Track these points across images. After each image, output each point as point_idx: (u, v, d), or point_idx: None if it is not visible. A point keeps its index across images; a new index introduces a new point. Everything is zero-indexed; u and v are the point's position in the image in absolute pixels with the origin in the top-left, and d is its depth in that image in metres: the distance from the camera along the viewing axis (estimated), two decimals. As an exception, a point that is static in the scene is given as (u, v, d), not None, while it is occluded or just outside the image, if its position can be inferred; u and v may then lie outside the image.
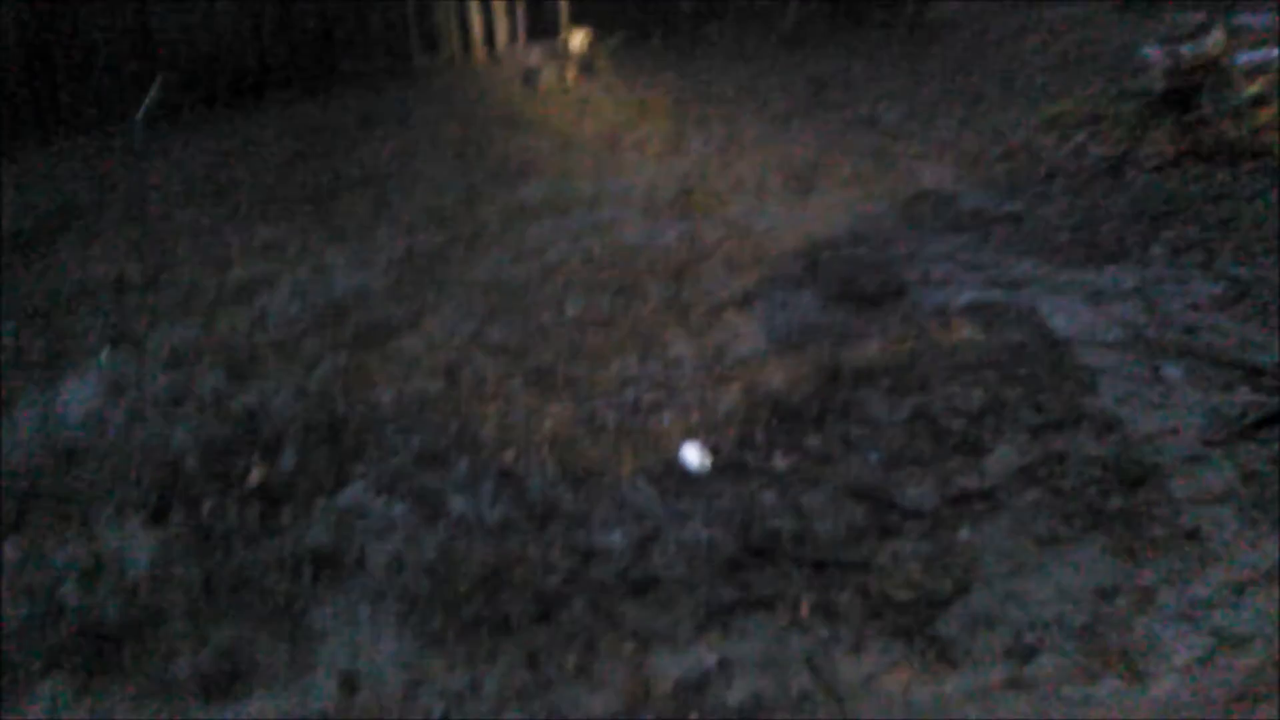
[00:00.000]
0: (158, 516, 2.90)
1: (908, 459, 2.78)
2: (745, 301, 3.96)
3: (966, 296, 3.76)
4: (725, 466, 2.87)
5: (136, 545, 2.78)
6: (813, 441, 2.93)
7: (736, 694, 2.07)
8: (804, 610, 2.27)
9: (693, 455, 2.94)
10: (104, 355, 4.04)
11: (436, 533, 2.73)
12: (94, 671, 2.29)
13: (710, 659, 2.17)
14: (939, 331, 3.49)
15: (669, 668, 2.16)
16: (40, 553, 2.79)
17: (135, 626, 2.43)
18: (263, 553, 2.68)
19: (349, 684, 2.20)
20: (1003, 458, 2.73)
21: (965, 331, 3.47)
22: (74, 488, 3.11)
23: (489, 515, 2.77)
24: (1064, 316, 3.51)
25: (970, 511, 2.53)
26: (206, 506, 2.92)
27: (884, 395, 3.12)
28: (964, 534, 2.45)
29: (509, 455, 3.05)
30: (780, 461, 2.85)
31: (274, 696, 2.19)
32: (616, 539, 2.61)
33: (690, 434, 3.04)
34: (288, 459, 3.15)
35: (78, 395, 3.72)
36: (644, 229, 4.99)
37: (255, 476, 3.06)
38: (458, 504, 2.84)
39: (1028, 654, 2.07)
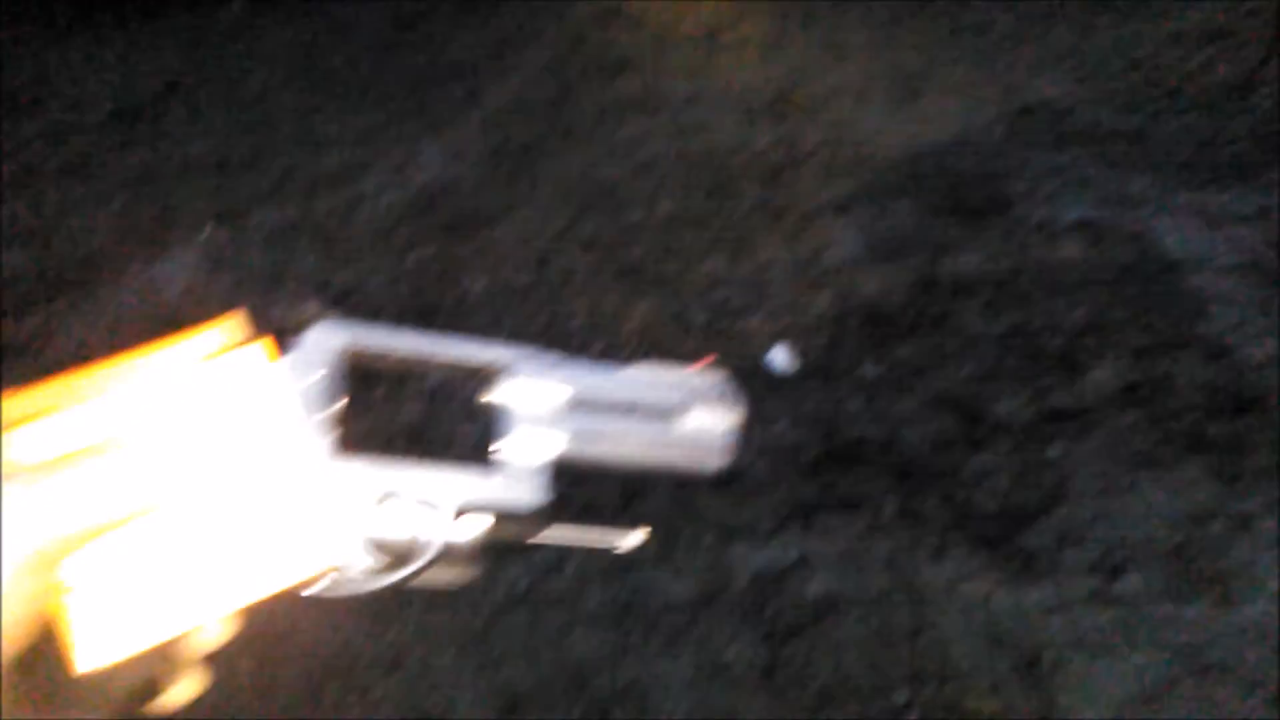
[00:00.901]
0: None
1: (1002, 374, 2.72)
2: (842, 208, 3.87)
3: (1075, 213, 3.61)
4: (813, 371, 2.85)
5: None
6: (904, 351, 2.88)
7: (814, 589, 2.09)
8: (887, 514, 2.26)
9: (780, 358, 2.92)
10: (206, 231, 4.15)
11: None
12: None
13: (790, 554, 2.18)
14: (1043, 248, 3.38)
15: (748, 560, 2.19)
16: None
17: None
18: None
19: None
20: (1101, 378, 2.65)
21: (1071, 249, 3.34)
22: (179, 356, 3.22)
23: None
24: (1177, 238, 3.35)
25: (1064, 429, 2.47)
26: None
27: (981, 309, 3.04)
28: (1056, 451, 2.40)
29: (597, 348, 3.07)
30: (870, 369, 2.82)
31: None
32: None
33: (779, 337, 3.02)
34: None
35: (182, 268, 3.84)
36: (740, 130, 4.89)
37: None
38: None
39: (1115, 571, 2.04)
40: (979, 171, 4.12)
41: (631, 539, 0.80)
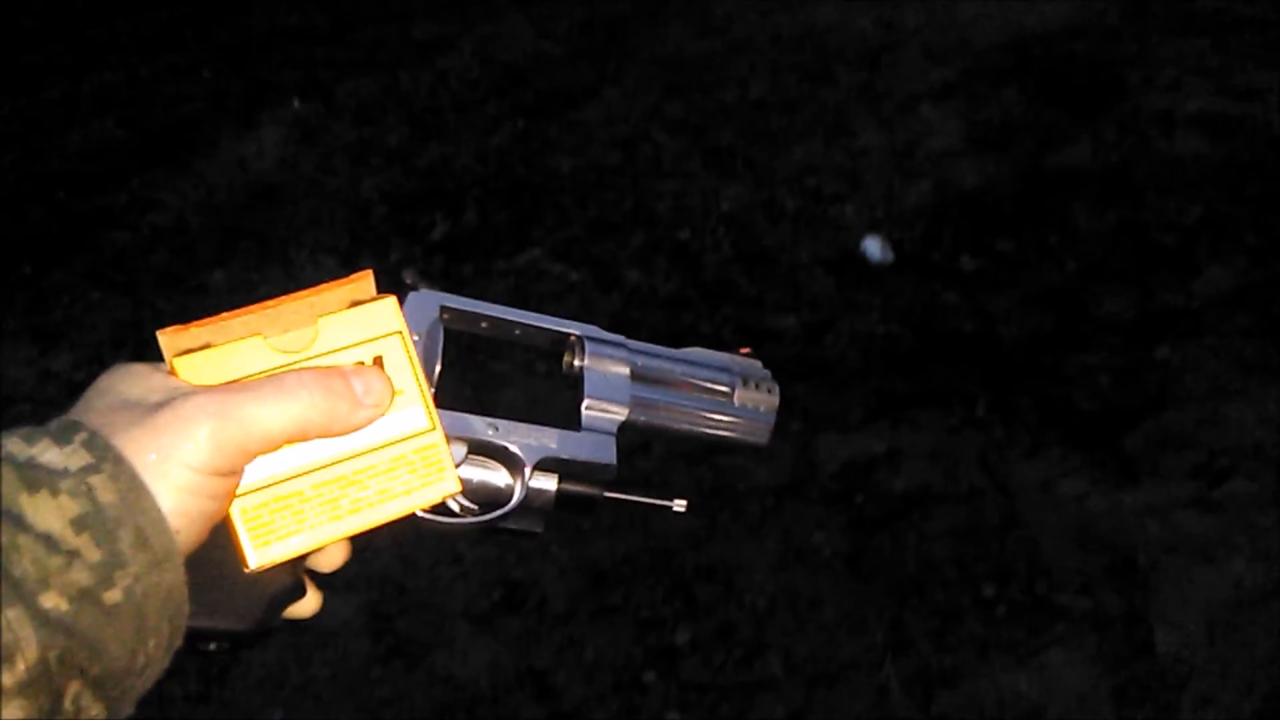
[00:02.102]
0: (348, 259, 3.03)
1: (1108, 271, 2.62)
2: (943, 94, 3.70)
3: (1194, 104, 3.41)
4: (908, 262, 2.78)
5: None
6: (1005, 245, 2.79)
7: (903, 481, 2.08)
8: (980, 410, 2.22)
9: (874, 248, 2.85)
10: (296, 103, 4.15)
11: (610, 300, 2.77)
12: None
13: (879, 446, 2.17)
14: (1159, 140, 3.20)
15: (836, 450, 2.18)
16: (245, 284, 2.98)
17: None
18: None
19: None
20: (1214, 278, 2.54)
21: (1189, 143, 3.17)
22: (271, 228, 3.27)
23: (662, 288, 2.79)
24: (1305, 134, 3.15)
25: (1172, 330, 2.38)
26: (394, 255, 3.04)
27: (1089, 203, 2.92)
28: (1162, 352, 2.32)
29: (684, 233, 3.03)
30: (968, 263, 2.73)
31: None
32: (790, 323, 2.59)
33: (873, 227, 2.94)
34: (469, 218, 3.21)
35: (272, 139, 3.86)
36: (837, 10, 4.68)
37: (439, 231, 3.15)
38: (632, 275, 2.86)
39: (1218, 477, 1.99)
40: (1091, 58, 3.90)
41: (679, 503, 0.89)
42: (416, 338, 0.76)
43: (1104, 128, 3.30)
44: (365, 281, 0.70)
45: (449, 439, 0.74)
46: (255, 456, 0.62)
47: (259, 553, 0.64)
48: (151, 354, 0.66)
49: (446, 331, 0.79)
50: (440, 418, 0.72)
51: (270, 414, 0.60)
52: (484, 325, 0.82)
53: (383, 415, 0.68)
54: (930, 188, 3.09)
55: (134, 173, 3.67)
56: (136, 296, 3.00)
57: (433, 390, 0.75)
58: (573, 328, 0.86)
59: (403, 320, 0.71)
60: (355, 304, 0.70)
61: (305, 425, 0.62)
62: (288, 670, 2.07)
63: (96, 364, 2.64)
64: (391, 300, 0.71)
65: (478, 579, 2.13)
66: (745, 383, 0.94)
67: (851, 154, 3.35)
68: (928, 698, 1.76)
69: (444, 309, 0.80)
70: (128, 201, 3.50)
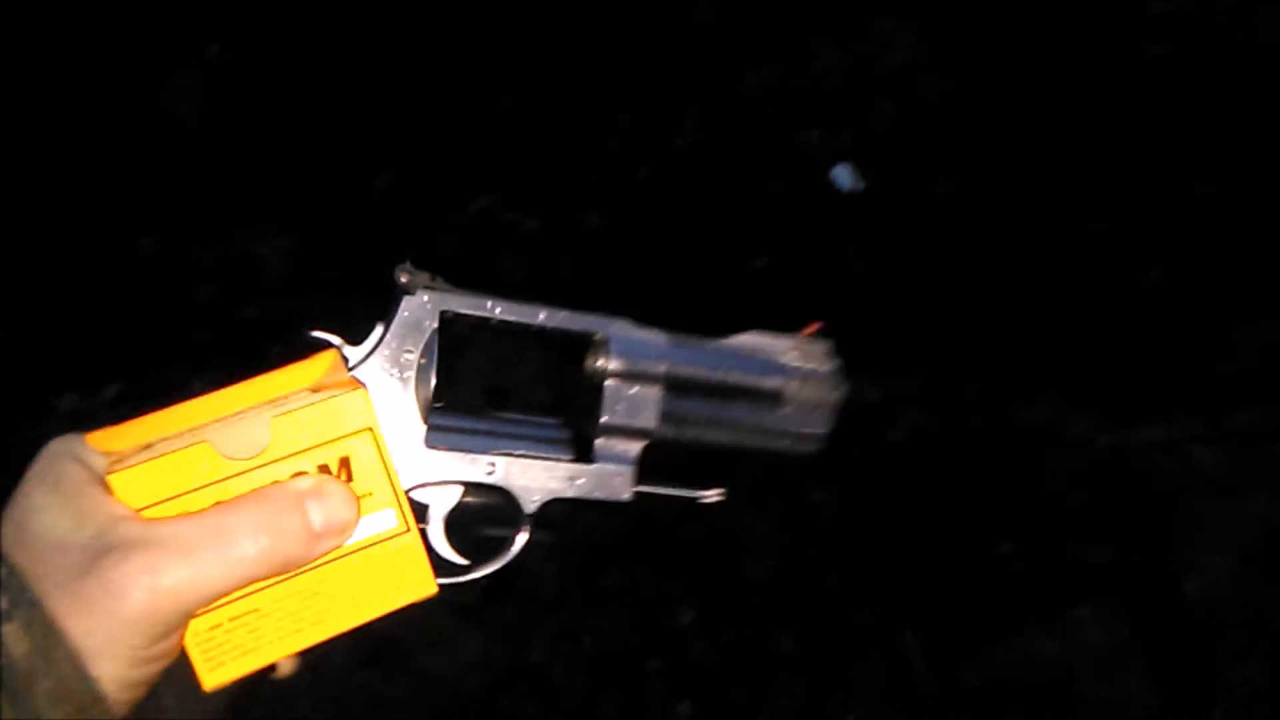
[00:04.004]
0: (288, 224, 2.81)
1: (1093, 187, 2.51)
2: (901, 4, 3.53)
3: (1162, 7, 3.28)
4: (881, 190, 2.64)
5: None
6: (981, 164, 2.66)
7: (899, 430, 1.97)
8: (972, 347, 2.11)
9: (844, 176, 2.71)
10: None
11: (570, 246, 2.61)
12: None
13: (870, 392, 2.06)
14: (1134, 45, 3.07)
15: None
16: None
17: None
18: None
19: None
20: (1205, 194, 2.44)
21: (1158, 48, 3.04)
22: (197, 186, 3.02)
23: (624, 231, 2.63)
24: None
25: (1161, 252, 2.29)
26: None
27: (1067, 116, 2.79)
28: (1155, 274, 2.22)
29: (643, 170, 2.85)
30: (944, 186, 2.61)
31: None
32: (761, 263, 2.46)
33: (842, 154, 2.79)
34: (411, 166, 3.00)
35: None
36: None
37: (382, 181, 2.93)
38: (592, 219, 2.69)
39: (1227, 408, 1.91)
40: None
41: (713, 493, 0.81)
42: (410, 356, 0.66)
43: (1076, 31, 3.16)
44: (330, 364, 0.61)
45: (449, 484, 0.68)
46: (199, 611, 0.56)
47: (213, 675, 0.58)
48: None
49: (448, 337, 0.69)
50: (431, 461, 0.66)
51: (212, 575, 0.53)
52: (493, 325, 0.71)
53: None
54: (896, 106, 2.93)
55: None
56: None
57: (429, 409, 0.67)
58: (597, 324, 0.73)
59: (374, 414, 0.61)
60: (318, 389, 0.60)
61: (254, 576, 0.55)
62: (258, 682, 1.93)
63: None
64: (361, 394, 0.61)
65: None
66: (802, 381, 0.80)
67: (811, 75, 3.18)
68: (951, 667, 1.69)
69: (444, 314, 0.69)
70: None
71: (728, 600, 1.81)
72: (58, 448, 0.55)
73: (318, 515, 0.56)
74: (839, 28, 3.44)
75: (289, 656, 0.62)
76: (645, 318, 0.78)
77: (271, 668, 0.64)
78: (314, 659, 0.65)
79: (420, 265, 0.69)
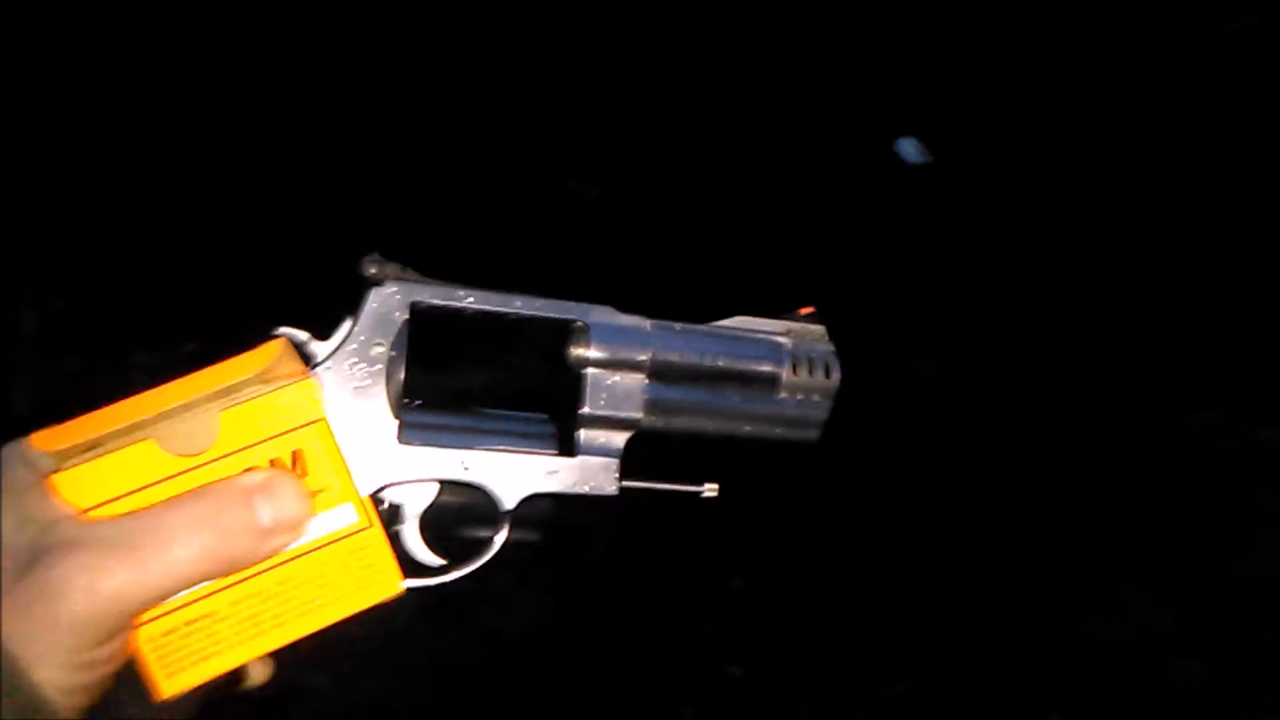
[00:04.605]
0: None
1: (1164, 163, 2.38)
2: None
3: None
4: (947, 162, 2.54)
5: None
6: (1046, 134, 2.54)
7: (950, 406, 1.92)
8: (1029, 330, 2.04)
9: (910, 149, 2.62)
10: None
11: (623, 216, 2.57)
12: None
13: (927, 367, 2.00)
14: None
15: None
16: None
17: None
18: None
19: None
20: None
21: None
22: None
23: (678, 202, 2.57)
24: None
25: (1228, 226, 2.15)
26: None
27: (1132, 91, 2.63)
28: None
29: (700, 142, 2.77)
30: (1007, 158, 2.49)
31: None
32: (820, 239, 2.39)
33: (905, 127, 2.67)
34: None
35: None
36: None
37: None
38: (645, 188, 2.64)
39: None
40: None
41: (709, 488, 0.76)
42: (380, 349, 0.64)
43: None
44: (278, 352, 0.58)
45: (423, 481, 0.66)
46: (144, 614, 0.54)
47: (170, 681, 0.56)
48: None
49: (419, 329, 0.67)
50: (403, 458, 0.64)
51: (154, 575, 0.51)
52: (466, 316, 0.69)
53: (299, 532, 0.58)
54: (964, 76, 2.81)
55: None
56: None
57: (401, 405, 0.65)
58: (577, 312, 0.71)
59: (323, 406, 0.60)
60: (266, 380, 0.58)
61: (199, 575, 0.53)
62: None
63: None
64: (309, 385, 0.60)
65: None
66: (796, 363, 0.76)
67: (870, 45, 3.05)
68: (1000, 646, 1.65)
69: (414, 305, 0.67)
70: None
71: (777, 565, 1.79)
72: (6, 452, 0.53)
73: (265, 511, 0.54)
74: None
75: (256, 661, 0.60)
76: (669, 308, 0.76)
77: (239, 676, 0.61)
78: (380, 611, 0.63)
79: (389, 256, 0.67)
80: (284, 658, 0.62)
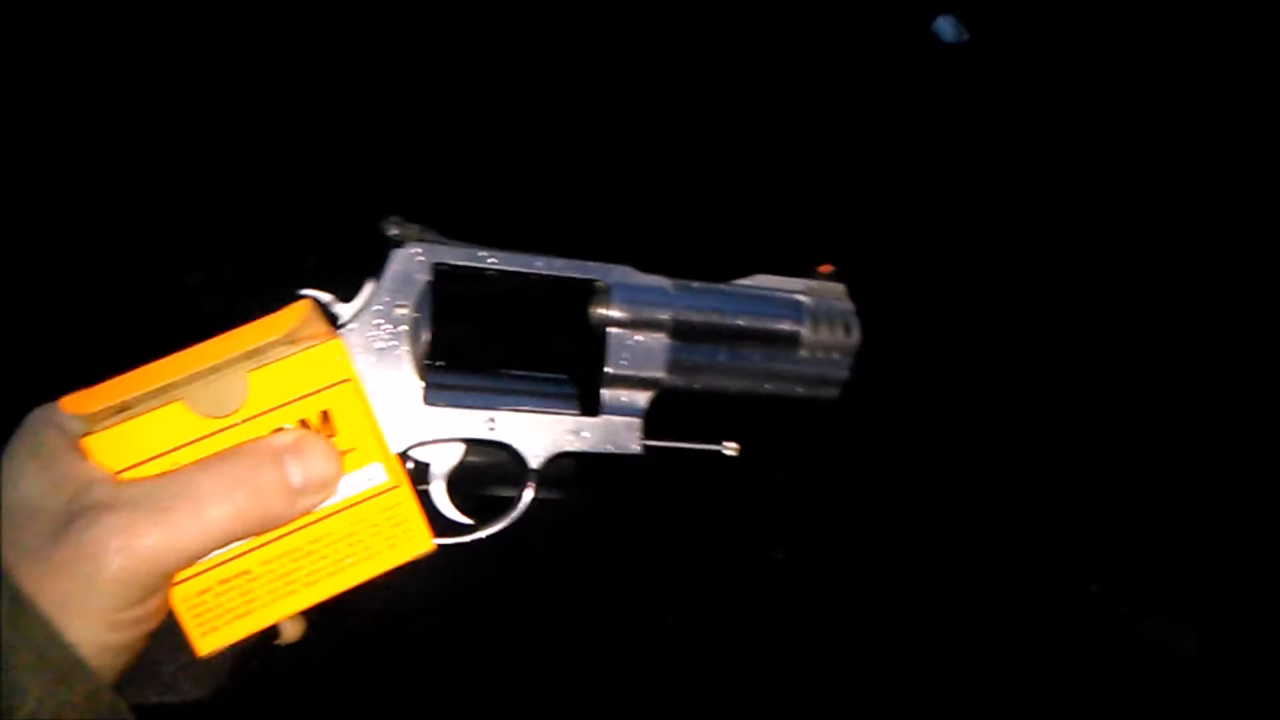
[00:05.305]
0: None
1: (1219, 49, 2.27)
2: None
3: None
4: (985, 42, 2.45)
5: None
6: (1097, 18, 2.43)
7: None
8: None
9: (947, 27, 2.52)
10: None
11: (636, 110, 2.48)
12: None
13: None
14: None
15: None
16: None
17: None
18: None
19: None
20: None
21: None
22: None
23: (693, 74, 2.48)
24: None
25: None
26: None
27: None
28: None
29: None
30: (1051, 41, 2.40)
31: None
32: (847, 122, 2.33)
33: (943, 4, 2.57)
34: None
35: None
36: None
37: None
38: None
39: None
40: None
41: (731, 446, 0.77)
42: (403, 311, 0.64)
43: None
44: (304, 313, 0.57)
45: (449, 441, 0.67)
46: (178, 574, 0.55)
47: (206, 639, 0.57)
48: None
49: (442, 290, 0.67)
50: (429, 418, 0.64)
51: (187, 535, 0.51)
52: (488, 276, 0.69)
53: (331, 491, 0.58)
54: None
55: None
56: None
57: (425, 366, 0.66)
58: (598, 272, 0.71)
59: (351, 365, 0.59)
60: (294, 342, 0.57)
61: (231, 535, 0.53)
62: (261, 646, 2.02)
63: None
64: (337, 344, 0.59)
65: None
66: (817, 322, 0.77)
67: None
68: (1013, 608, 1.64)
69: (437, 266, 0.67)
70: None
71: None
72: (37, 416, 0.53)
73: (296, 471, 0.54)
74: None
75: (290, 619, 0.61)
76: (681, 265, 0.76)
77: (274, 632, 0.63)
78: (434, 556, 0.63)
79: (411, 218, 0.66)
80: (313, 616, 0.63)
